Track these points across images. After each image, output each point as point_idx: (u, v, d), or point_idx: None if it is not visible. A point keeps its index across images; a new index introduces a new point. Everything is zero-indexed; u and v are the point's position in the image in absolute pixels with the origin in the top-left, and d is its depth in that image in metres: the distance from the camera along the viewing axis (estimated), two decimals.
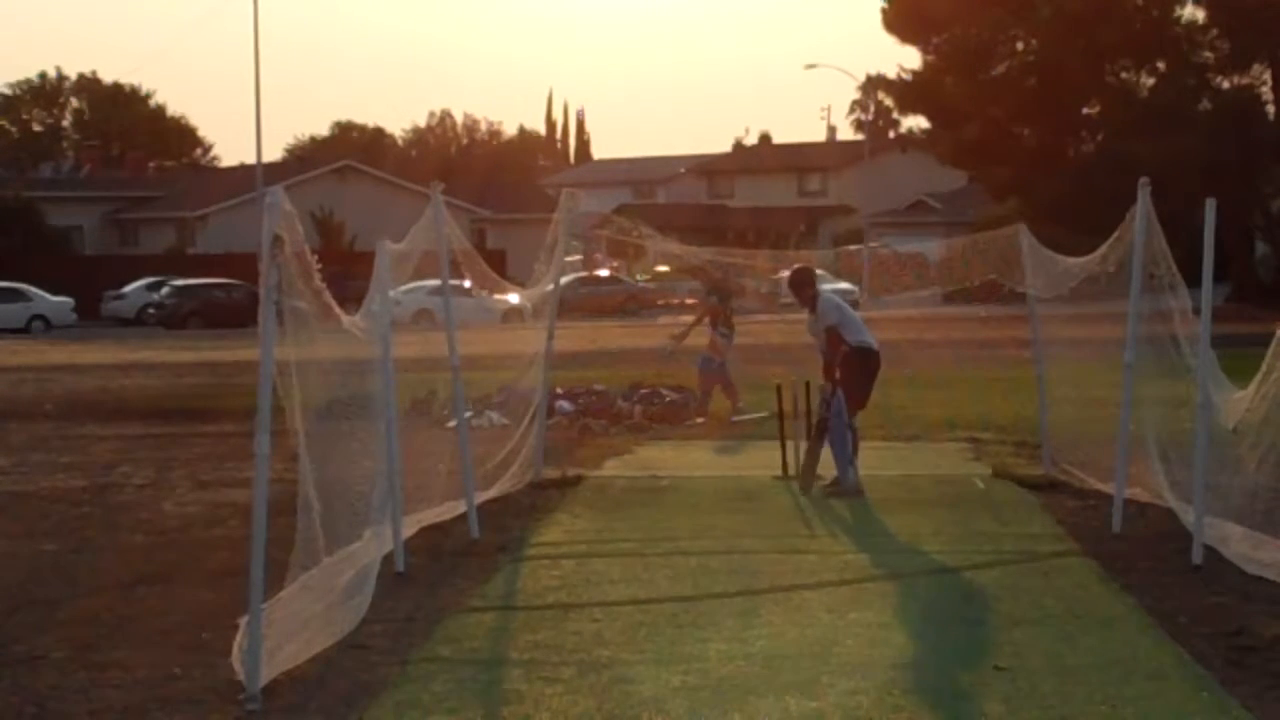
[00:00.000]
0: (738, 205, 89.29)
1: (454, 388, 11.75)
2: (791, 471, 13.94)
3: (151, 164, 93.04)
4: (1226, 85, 50.43)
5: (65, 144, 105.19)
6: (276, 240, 6.99)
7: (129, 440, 17.78)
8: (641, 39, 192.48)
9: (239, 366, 26.29)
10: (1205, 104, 49.19)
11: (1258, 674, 7.46)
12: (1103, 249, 11.67)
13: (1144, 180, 10.87)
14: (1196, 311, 10.11)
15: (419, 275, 11.32)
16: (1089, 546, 10.68)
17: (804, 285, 13.44)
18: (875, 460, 14.07)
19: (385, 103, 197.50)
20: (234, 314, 47.97)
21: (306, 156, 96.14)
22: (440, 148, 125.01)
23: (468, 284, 12.61)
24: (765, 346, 21.33)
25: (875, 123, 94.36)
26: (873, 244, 60.62)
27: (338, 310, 8.09)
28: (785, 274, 14.00)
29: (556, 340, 14.60)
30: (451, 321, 11.55)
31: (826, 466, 13.41)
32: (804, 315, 13.93)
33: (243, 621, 7.49)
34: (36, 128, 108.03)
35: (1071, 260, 12.74)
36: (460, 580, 9.74)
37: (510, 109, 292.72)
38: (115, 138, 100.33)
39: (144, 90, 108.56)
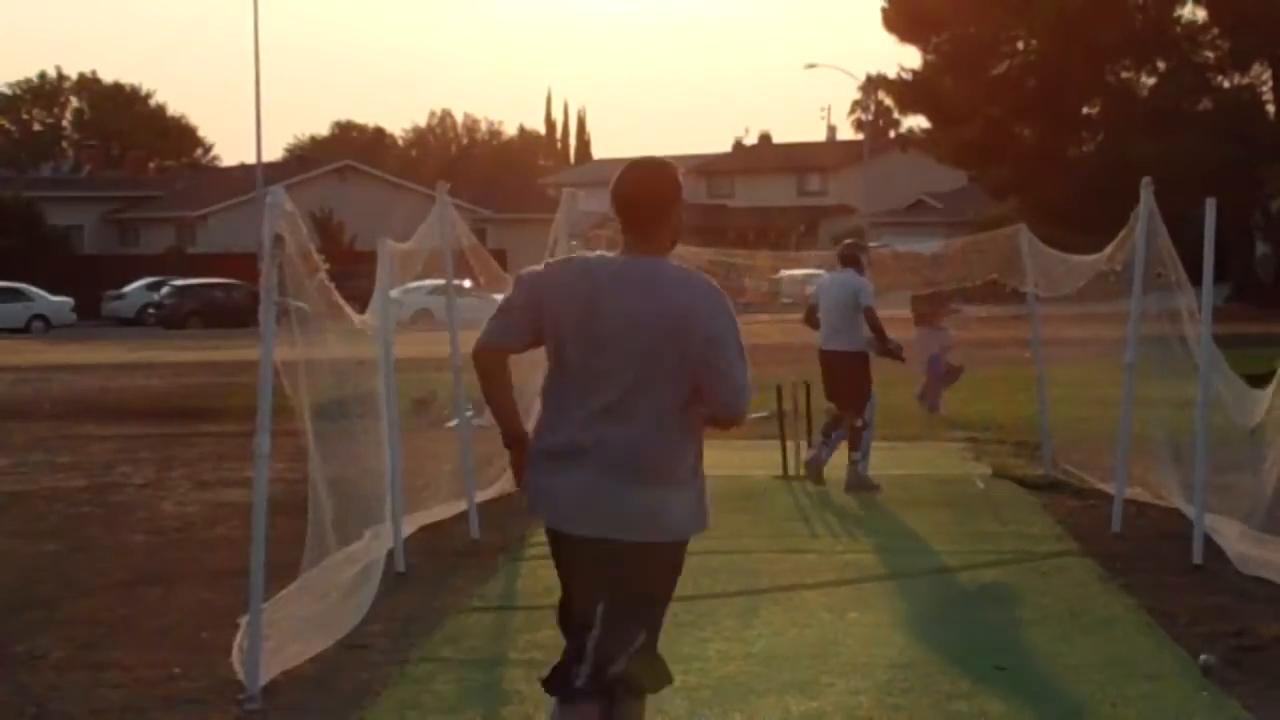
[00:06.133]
0: (738, 205, 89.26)
1: (455, 387, 11.73)
2: (791, 471, 13.94)
3: (151, 164, 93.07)
4: (1226, 85, 50.48)
5: (65, 144, 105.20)
6: (277, 240, 6.98)
7: (129, 440, 17.77)
8: (641, 39, 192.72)
9: (239, 366, 26.24)
10: (1205, 104, 49.24)
11: (1258, 674, 7.45)
12: (1110, 248, 11.65)
13: (1147, 180, 10.85)
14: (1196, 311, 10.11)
15: (427, 274, 11.31)
16: (1089, 546, 10.67)
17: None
18: (875, 460, 14.03)
19: (385, 103, 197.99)
20: (234, 314, 47.96)
21: (306, 156, 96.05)
22: (440, 148, 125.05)
23: (467, 284, 12.59)
24: (765, 346, 21.29)
25: (875, 123, 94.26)
26: (873, 244, 60.63)
27: (348, 309, 8.08)
28: (785, 274, 13.95)
29: None
30: (454, 321, 11.54)
31: (831, 467, 13.46)
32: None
33: (243, 621, 7.48)
34: (36, 128, 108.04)
35: (1076, 259, 12.74)
36: (460, 580, 9.72)
37: (510, 109, 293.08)
38: (115, 138, 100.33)
39: (144, 90, 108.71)
